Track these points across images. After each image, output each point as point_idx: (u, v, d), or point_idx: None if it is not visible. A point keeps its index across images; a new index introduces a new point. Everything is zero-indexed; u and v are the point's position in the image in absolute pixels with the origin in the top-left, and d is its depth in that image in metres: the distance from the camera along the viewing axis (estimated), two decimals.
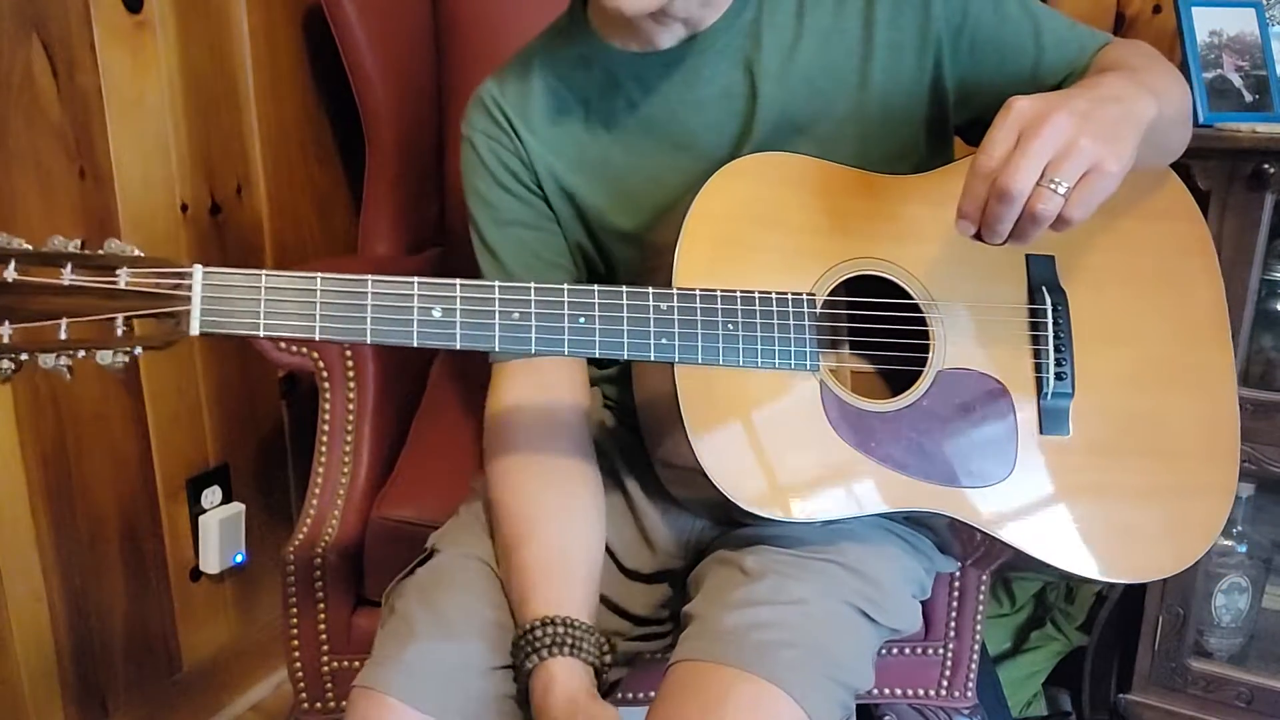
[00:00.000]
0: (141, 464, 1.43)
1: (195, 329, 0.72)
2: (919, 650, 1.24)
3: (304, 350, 1.24)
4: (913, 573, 0.98)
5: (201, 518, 1.52)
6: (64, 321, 0.69)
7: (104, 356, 0.70)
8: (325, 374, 1.26)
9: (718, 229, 0.87)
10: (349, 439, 1.27)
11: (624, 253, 1.02)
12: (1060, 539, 0.90)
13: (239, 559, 1.58)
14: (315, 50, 1.58)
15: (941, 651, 1.25)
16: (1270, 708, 1.43)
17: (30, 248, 0.70)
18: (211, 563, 1.54)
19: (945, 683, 1.25)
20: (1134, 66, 0.90)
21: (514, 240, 1.01)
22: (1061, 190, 0.72)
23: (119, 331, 0.70)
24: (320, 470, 1.26)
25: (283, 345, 1.24)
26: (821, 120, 0.96)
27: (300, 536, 1.22)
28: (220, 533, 1.53)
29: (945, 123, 1.00)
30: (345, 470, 1.26)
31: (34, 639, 1.33)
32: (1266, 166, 1.25)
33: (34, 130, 1.22)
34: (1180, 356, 0.96)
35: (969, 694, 1.26)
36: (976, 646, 1.24)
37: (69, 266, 0.70)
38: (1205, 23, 1.41)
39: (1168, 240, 0.97)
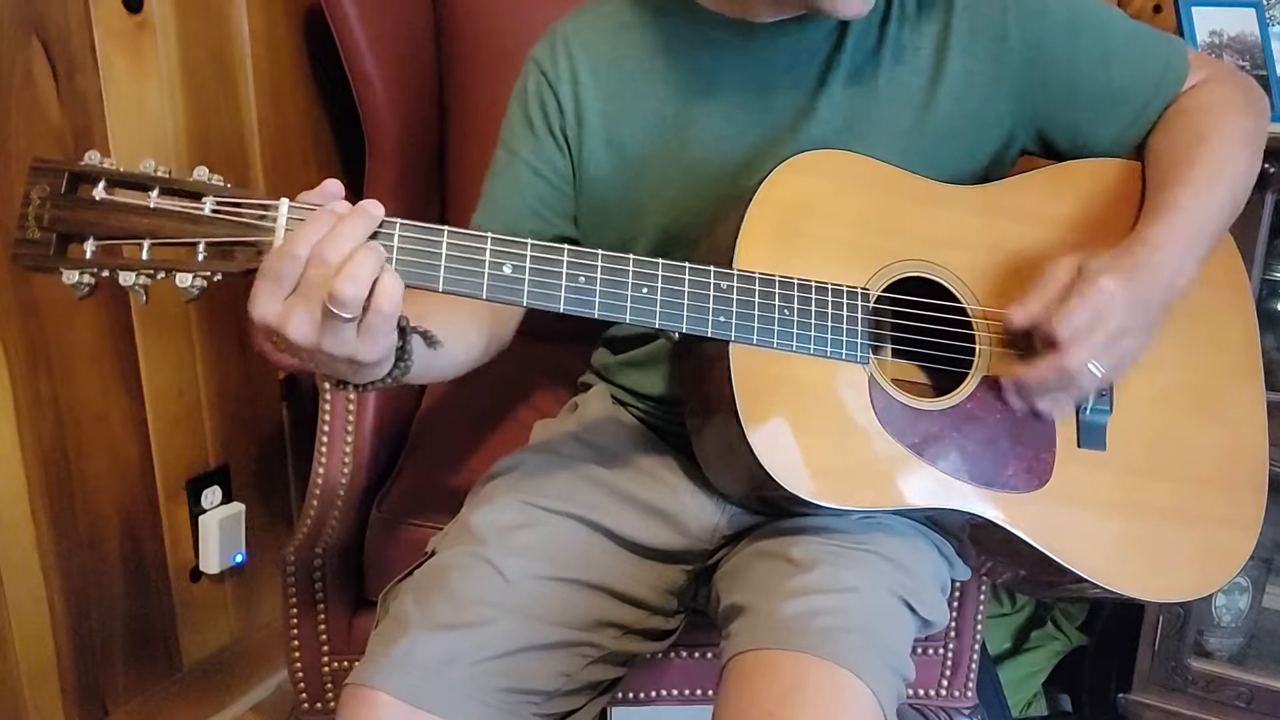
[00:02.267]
0: (141, 464, 1.43)
1: None
2: (919, 650, 1.24)
3: None
4: (939, 571, 0.98)
5: (201, 518, 1.52)
6: (147, 242, 0.70)
7: (183, 279, 0.71)
8: None
9: (779, 218, 0.88)
10: (349, 439, 1.27)
11: (655, 216, 1.01)
12: (1089, 551, 0.91)
13: (239, 559, 1.58)
14: (315, 51, 1.57)
15: (941, 651, 1.25)
16: (1270, 708, 1.43)
17: (121, 169, 0.71)
18: (211, 563, 1.54)
19: (945, 683, 1.25)
20: (1208, 153, 0.93)
21: (511, 173, 1.04)
22: (1099, 373, 0.85)
23: (200, 256, 0.71)
24: (320, 470, 1.26)
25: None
26: (878, 129, 0.97)
27: (300, 536, 1.21)
28: (220, 533, 1.53)
29: (1001, 153, 1.01)
30: (345, 470, 1.26)
31: (34, 639, 1.33)
32: (1267, 166, 1.25)
33: (34, 131, 1.22)
34: (1210, 386, 0.98)
35: (969, 694, 1.26)
36: (977, 646, 1.24)
37: (156, 190, 0.71)
38: (1206, 23, 1.41)
39: (1204, 272, 0.97)
